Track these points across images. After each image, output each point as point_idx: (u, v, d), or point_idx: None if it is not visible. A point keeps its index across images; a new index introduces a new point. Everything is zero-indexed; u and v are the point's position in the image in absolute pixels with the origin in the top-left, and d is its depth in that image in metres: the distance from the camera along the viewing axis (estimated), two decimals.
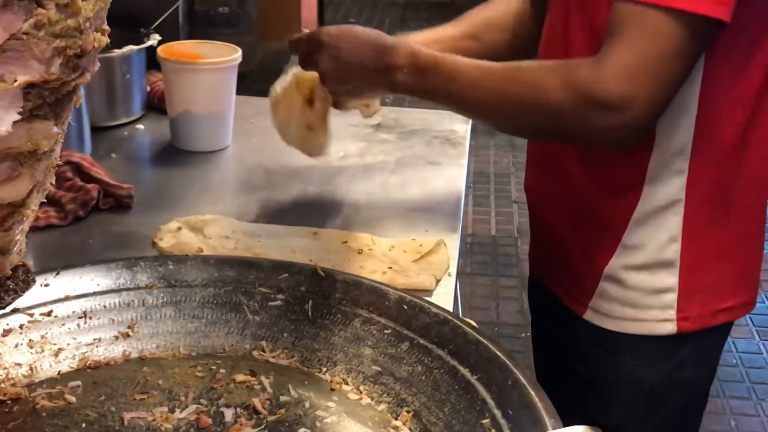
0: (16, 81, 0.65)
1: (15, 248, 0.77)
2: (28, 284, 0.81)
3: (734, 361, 2.99)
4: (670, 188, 1.19)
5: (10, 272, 0.79)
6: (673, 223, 1.20)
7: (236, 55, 1.64)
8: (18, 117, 0.66)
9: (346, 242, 1.32)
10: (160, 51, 1.63)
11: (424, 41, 1.37)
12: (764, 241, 1.31)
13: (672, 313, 1.23)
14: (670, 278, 1.22)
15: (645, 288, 1.23)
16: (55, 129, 0.70)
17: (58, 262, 1.12)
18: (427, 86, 1.20)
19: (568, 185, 1.28)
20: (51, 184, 0.77)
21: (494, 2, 1.47)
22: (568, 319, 1.32)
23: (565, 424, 0.84)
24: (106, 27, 0.71)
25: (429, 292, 1.21)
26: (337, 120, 1.79)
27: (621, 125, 1.08)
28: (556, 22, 1.27)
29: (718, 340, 1.31)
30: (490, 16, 1.45)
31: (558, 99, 1.10)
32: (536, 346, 1.55)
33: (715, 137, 1.17)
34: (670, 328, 1.24)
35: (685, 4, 1.04)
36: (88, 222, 1.38)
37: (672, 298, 1.23)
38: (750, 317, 3.10)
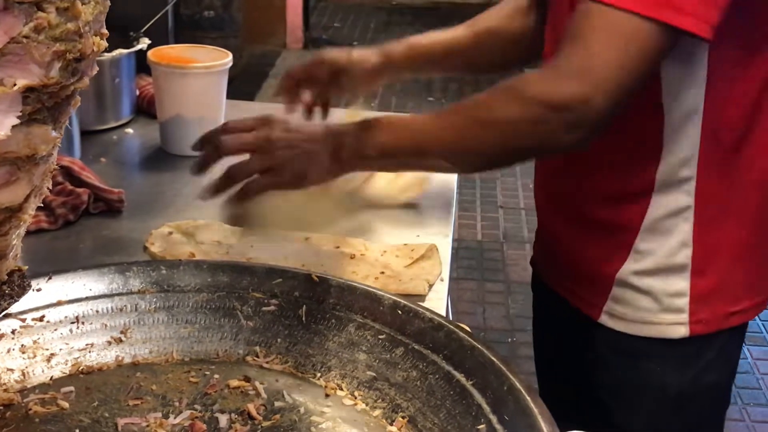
0: (15, 85, 0.64)
1: (11, 253, 0.76)
2: (23, 289, 0.80)
3: None
4: (679, 195, 1.19)
5: (6, 277, 0.79)
6: (684, 228, 1.20)
7: (227, 59, 1.64)
8: (17, 121, 0.66)
9: (338, 247, 1.31)
10: (151, 55, 1.63)
11: (430, 43, 1.42)
12: None
13: (684, 317, 1.23)
14: (682, 282, 1.22)
15: (657, 292, 1.23)
16: (54, 133, 0.70)
17: (49, 266, 1.11)
18: (373, 143, 1.16)
19: (577, 194, 1.27)
20: (48, 188, 0.76)
21: (501, 10, 1.48)
22: (582, 324, 1.31)
23: (566, 430, 0.84)
24: (104, 31, 0.71)
25: (422, 297, 1.21)
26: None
27: (573, 124, 1.07)
28: (548, 35, 1.28)
29: (737, 343, 1.31)
30: (496, 25, 1.46)
31: (506, 113, 1.10)
32: (539, 347, 1.54)
33: (720, 142, 1.16)
34: (683, 331, 1.23)
35: (668, 16, 1.03)
36: (78, 226, 1.37)
37: (684, 302, 1.22)
38: None
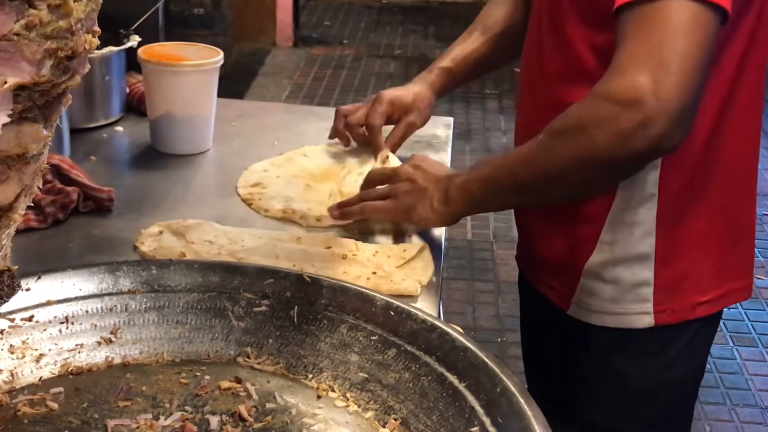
0: (6, 83, 0.64)
1: (0, 253, 0.76)
2: (13, 290, 0.79)
3: (708, 366, 2.99)
4: (644, 184, 1.21)
5: None
6: (648, 217, 1.22)
7: (218, 57, 1.63)
8: (7, 119, 0.65)
9: (329, 247, 1.31)
10: (141, 53, 1.62)
11: (460, 64, 1.51)
12: (747, 233, 1.33)
13: (649, 306, 1.25)
14: (646, 272, 1.25)
15: (622, 282, 1.26)
16: (45, 132, 0.69)
17: (38, 265, 1.10)
18: (476, 176, 1.23)
19: None
20: (38, 188, 0.75)
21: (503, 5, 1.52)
22: (556, 317, 1.33)
23: (558, 430, 0.83)
24: (96, 29, 0.70)
25: (413, 297, 1.21)
26: (318, 124, 1.79)
27: (645, 121, 1.03)
28: (533, 30, 1.31)
29: (704, 338, 1.33)
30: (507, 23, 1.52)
31: (575, 116, 1.11)
32: (526, 345, 1.56)
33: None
34: (647, 321, 1.26)
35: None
36: (67, 225, 1.36)
37: (648, 291, 1.25)
38: (723, 323, 3.12)
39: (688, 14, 1.03)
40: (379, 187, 1.34)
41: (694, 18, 1.03)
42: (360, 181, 1.43)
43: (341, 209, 1.35)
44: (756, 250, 1.53)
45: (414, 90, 1.56)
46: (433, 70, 1.56)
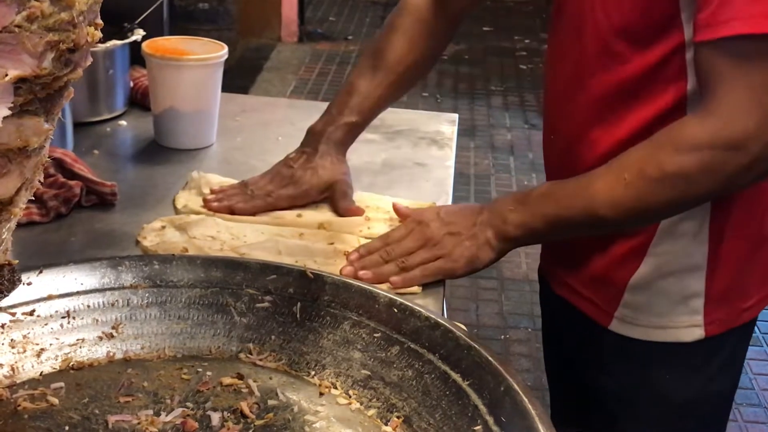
0: (7, 75, 0.63)
1: (1, 247, 0.75)
2: (14, 284, 0.79)
3: None
4: None
5: None
6: (701, 227, 1.19)
7: (222, 51, 1.62)
8: (8, 112, 0.64)
9: (332, 243, 1.30)
10: (145, 47, 1.61)
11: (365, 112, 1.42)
12: None
13: (699, 319, 1.22)
14: (697, 283, 1.21)
15: (672, 295, 1.22)
16: (46, 125, 0.68)
17: (40, 259, 1.10)
18: (538, 214, 1.18)
19: None
20: (39, 181, 0.75)
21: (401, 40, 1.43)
22: (592, 330, 1.29)
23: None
24: (99, 21, 0.69)
25: (416, 294, 1.20)
26: None
27: (751, 163, 1.04)
28: (569, 48, 1.24)
29: (744, 344, 1.30)
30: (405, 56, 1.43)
31: (678, 165, 1.07)
32: (552, 359, 1.51)
33: None
34: (698, 333, 1.22)
35: None
36: (69, 219, 1.35)
37: (699, 303, 1.21)
38: None
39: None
40: (417, 255, 1.23)
41: None
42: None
43: (402, 277, 1.21)
44: None
45: (329, 169, 1.42)
46: (339, 125, 1.42)
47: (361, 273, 1.20)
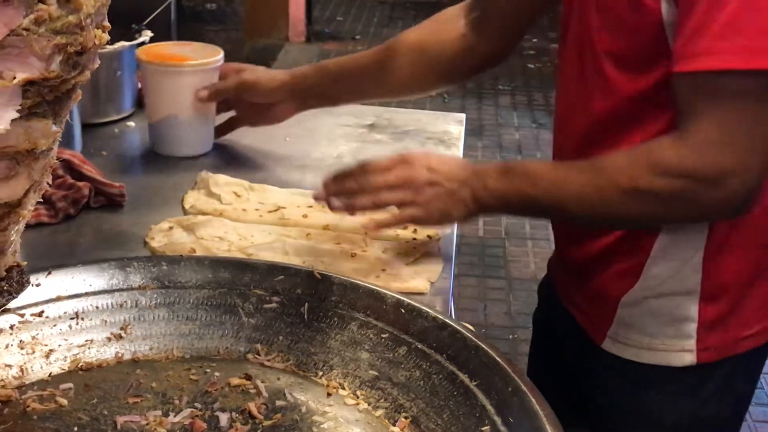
0: (15, 78, 0.63)
1: (10, 249, 0.75)
2: (22, 285, 0.79)
3: None
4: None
5: (5, 273, 0.78)
6: (695, 253, 1.17)
7: (219, 56, 1.58)
8: (16, 115, 0.65)
9: (339, 243, 1.30)
10: (140, 53, 1.59)
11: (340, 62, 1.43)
12: None
13: (692, 343, 1.20)
14: (691, 307, 1.19)
15: (664, 315, 1.20)
16: (54, 128, 0.69)
17: (48, 260, 1.10)
18: (515, 189, 1.17)
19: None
20: (48, 183, 0.75)
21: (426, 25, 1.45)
22: (585, 346, 1.28)
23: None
24: (106, 24, 0.69)
25: (424, 295, 1.20)
26: (329, 120, 1.78)
27: (726, 198, 1.05)
28: (572, 67, 1.24)
29: (747, 373, 1.27)
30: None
31: (650, 184, 1.07)
32: (535, 357, 1.52)
33: None
34: (689, 359, 1.20)
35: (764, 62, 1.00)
36: (78, 220, 1.36)
37: (692, 327, 1.19)
38: None
39: (758, 86, 1.01)
40: (392, 193, 1.23)
41: (765, 90, 1.01)
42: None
43: (375, 222, 1.26)
44: None
45: (267, 71, 1.50)
46: (313, 64, 1.51)
47: (333, 202, 1.21)
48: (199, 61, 1.56)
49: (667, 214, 1.11)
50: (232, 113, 1.64)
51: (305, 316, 1.05)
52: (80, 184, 1.37)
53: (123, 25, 1.75)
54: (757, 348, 1.24)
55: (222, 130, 1.64)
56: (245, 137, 1.70)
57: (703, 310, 1.19)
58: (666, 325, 1.20)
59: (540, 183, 1.16)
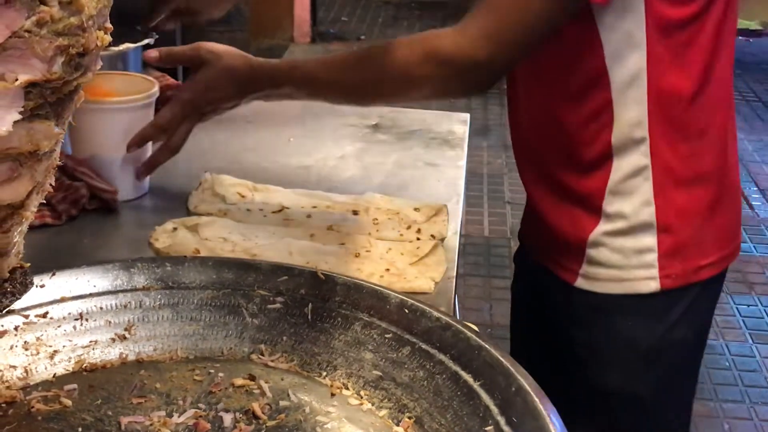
0: (17, 80, 0.63)
1: (13, 250, 0.75)
2: (26, 287, 0.79)
3: (727, 364, 2.99)
4: (636, 156, 1.24)
5: (8, 275, 0.78)
6: (645, 187, 1.25)
7: (152, 90, 1.42)
8: (19, 117, 0.65)
9: (343, 244, 1.30)
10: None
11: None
12: (735, 195, 1.37)
13: (654, 272, 1.28)
14: (649, 239, 1.27)
15: (627, 250, 1.28)
16: (57, 129, 0.69)
17: (52, 262, 1.10)
18: (284, 95, 1.36)
19: (543, 166, 1.34)
20: (50, 185, 0.75)
21: None
22: (562, 289, 1.36)
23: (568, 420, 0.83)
24: (108, 25, 0.69)
25: (427, 295, 1.20)
26: (334, 120, 1.79)
27: (479, 83, 1.24)
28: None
29: (708, 300, 1.37)
30: None
31: (420, 72, 1.21)
32: (515, 316, 1.58)
33: (669, 103, 1.22)
34: (653, 286, 1.29)
35: None
36: (81, 221, 1.36)
37: (653, 257, 1.28)
38: (743, 320, 3.10)
39: None
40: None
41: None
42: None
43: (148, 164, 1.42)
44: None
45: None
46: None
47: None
48: (125, 97, 1.39)
49: (416, 92, 1.28)
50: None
51: (309, 317, 1.05)
52: (77, 184, 1.37)
53: (128, 26, 1.74)
54: (716, 276, 1.34)
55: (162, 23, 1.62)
56: (249, 137, 1.71)
57: (661, 242, 1.27)
58: (630, 257, 1.29)
59: (305, 85, 1.34)
